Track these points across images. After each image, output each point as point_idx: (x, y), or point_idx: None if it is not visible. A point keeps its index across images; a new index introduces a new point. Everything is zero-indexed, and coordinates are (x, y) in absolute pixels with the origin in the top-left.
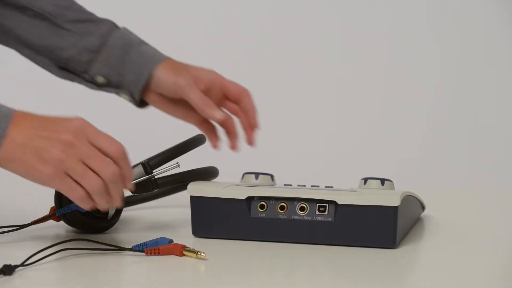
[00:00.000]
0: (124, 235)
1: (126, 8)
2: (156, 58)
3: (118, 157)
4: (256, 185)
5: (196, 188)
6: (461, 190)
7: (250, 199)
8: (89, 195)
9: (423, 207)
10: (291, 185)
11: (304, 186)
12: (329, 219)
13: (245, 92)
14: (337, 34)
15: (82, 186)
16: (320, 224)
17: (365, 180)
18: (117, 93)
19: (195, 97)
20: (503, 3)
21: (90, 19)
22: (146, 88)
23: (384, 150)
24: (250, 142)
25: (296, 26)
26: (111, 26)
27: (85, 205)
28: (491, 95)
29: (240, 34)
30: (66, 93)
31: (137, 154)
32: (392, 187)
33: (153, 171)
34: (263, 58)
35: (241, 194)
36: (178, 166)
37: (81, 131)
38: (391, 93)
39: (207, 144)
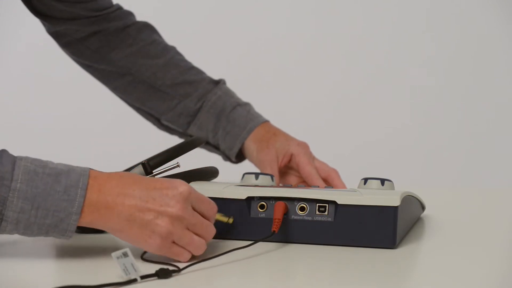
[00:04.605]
0: None
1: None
2: (248, 126)
3: (212, 217)
4: (256, 185)
5: (197, 188)
6: (461, 190)
7: (250, 199)
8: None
9: (423, 207)
10: (291, 185)
11: (304, 186)
12: (329, 219)
13: (313, 179)
14: (334, 35)
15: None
16: (320, 224)
17: (365, 180)
18: (215, 153)
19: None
20: (501, 3)
21: (187, 81)
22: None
23: (384, 150)
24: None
25: (294, 26)
26: (207, 86)
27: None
28: (491, 95)
29: (239, 35)
30: (66, 93)
31: (137, 154)
32: (392, 187)
33: (153, 171)
34: (261, 59)
35: (241, 194)
36: (178, 166)
37: (187, 201)
38: (391, 94)
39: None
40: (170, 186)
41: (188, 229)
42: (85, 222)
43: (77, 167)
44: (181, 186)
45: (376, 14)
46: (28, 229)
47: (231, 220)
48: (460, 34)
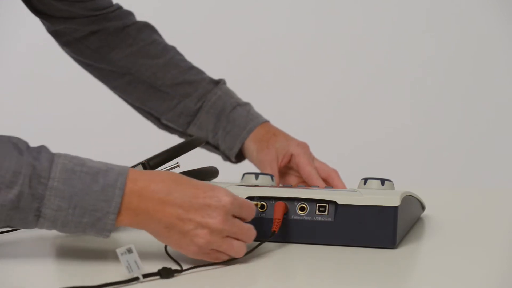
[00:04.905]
0: (124, 234)
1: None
2: (248, 126)
3: (251, 218)
4: (256, 185)
5: None
6: (461, 190)
7: (250, 199)
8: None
9: (423, 207)
10: (291, 185)
11: (304, 186)
12: (329, 219)
13: (313, 179)
14: (334, 35)
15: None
16: (320, 224)
17: (365, 180)
18: (215, 153)
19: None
20: (501, 3)
21: (187, 81)
22: (239, 153)
23: (384, 150)
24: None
25: (294, 26)
26: (207, 86)
27: None
28: (491, 95)
29: (239, 35)
30: (66, 93)
31: (137, 154)
32: (392, 187)
33: None
34: (261, 59)
35: (241, 194)
36: (178, 166)
37: (229, 212)
38: (391, 94)
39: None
40: (213, 195)
41: (228, 236)
42: (124, 224)
43: (116, 166)
44: (224, 196)
45: (376, 14)
46: (65, 227)
47: (259, 204)
48: (460, 34)
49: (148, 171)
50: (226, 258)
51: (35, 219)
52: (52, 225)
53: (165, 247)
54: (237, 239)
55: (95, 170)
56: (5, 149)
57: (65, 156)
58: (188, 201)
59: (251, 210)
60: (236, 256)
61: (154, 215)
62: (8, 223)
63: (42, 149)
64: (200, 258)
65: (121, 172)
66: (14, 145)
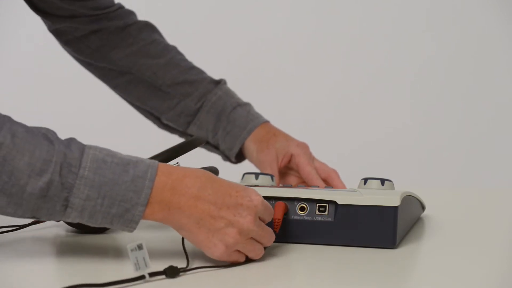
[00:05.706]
0: (124, 235)
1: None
2: (248, 127)
3: (269, 221)
4: (256, 185)
5: None
6: (461, 190)
7: None
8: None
9: (423, 207)
10: (291, 185)
11: (304, 186)
12: (329, 219)
13: (313, 179)
14: (334, 35)
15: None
16: (320, 224)
17: (365, 180)
18: (215, 152)
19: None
20: (501, 3)
21: (187, 80)
22: (239, 153)
23: (384, 150)
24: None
25: (294, 26)
26: (207, 86)
27: None
28: (491, 95)
29: (239, 35)
30: (66, 92)
31: (137, 154)
32: (392, 187)
33: None
34: (261, 59)
35: None
36: (178, 166)
37: (258, 213)
38: (391, 94)
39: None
40: (245, 195)
41: (252, 238)
42: (152, 217)
43: (146, 159)
44: (256, 196)
45: (376, 14)
46: (92, 218)
47: None
48: (460, 34)
49: (181, 168)
50: (243, 260)
51: (63, 209)
52: (79, 216)
53: (182, 240)
54: (258, 242)
55: (126, 161)
56: (35, 139)
57: (96, 147)
58: (221, 198)
59: (271, 213)
60: (255, 258)
61: (186, 210)
62: (35, 214)
63: (72, 140)
64: (222, 259)
65: (151, 165)
66: (44, 135)
